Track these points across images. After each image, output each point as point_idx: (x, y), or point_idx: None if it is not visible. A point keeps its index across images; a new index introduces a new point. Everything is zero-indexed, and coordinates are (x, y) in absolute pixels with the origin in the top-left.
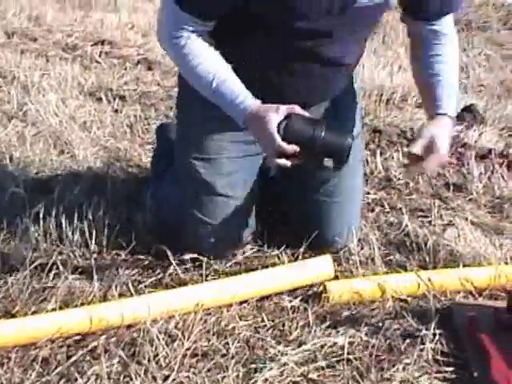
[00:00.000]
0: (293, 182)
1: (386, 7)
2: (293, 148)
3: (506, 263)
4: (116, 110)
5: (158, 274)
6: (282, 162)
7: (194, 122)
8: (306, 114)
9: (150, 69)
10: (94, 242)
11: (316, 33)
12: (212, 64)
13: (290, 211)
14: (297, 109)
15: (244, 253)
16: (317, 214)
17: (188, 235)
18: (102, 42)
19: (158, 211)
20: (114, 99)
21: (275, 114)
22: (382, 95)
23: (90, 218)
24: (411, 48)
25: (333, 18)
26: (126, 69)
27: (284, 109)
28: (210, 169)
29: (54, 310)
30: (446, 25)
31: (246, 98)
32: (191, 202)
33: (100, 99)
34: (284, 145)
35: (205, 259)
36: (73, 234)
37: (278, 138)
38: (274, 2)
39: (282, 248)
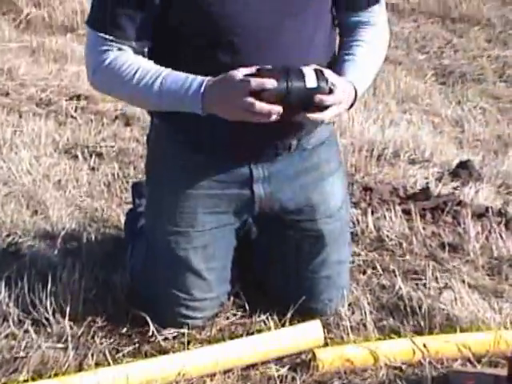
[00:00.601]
0: (277, 256)
1: None
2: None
3: (506, 328)
4: (93, 168)
5: (137, 341)
6: (259, 105)
7: (164, 192)
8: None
9: (128, 124)
10: (68, 307)
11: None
12: (147, 67)
13: (273, 280)
14: (254, 67)
15: (227, 318)
16: (303, 287)
17: (164, 311)
18: (78, 97)
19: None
20: (91, 156)
21: (237, 72)
22: (372, 151)
23: (65, 281)
24: (340, 40)
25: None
26: (103, 125)
27: (244, 68)
28: (184, 243)
29: (25, 381)
30: (374, 15)
31: (195, 78)
32: (166, 278)
33: (76, 157)
34: (265, 105)
35: (185, 331)
36: (46, 298)
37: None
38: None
39: (268, 313)
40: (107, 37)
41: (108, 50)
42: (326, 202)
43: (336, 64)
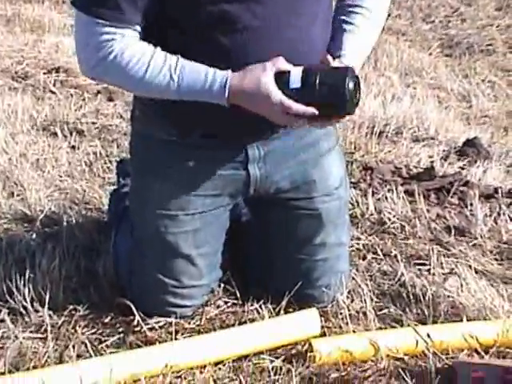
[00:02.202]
0: (271, 239)
1: None
2: (311, 109)
3: None
4: (73, 147)
5: (121, 331)
6: (292, 120)
7: (152, 174)
8: (289, 66)
9: (110, 99)
10: (48, 295)
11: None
12: (158, 61)
13: (267, 265)
14: (280, 61)
15: (218, 307)
16: (300, 271)
17: (151, 300)
18: (57, 70)
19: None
20: (71, 134)
21: (266, 75)
22: (373, 128)
23: (44, 268)
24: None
25: None
26: (83, 100)
27: (269, 64)
28: (173, 227)
29: (2, 373)
30: None
31: (215, 73)
32: (153, 265)
33: (55, 134)
34: (302, 108)
35: (173, 320)
36: (24, 286)
37: (293, 103)
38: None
39: (262, 301)
40: (107, 23)
41: (110, 40)
42: (323, 179)
43: (334, 30)
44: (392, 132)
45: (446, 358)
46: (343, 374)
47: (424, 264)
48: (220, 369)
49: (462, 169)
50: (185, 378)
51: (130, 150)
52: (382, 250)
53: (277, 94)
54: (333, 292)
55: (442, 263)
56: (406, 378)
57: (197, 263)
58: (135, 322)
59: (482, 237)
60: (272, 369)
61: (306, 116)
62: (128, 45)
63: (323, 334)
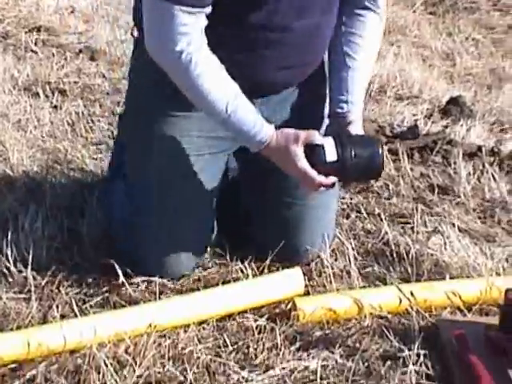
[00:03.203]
0: (258, 185)
1: None
2: (332, 180)
3: (498, 274)
4: (55, 107)
5: (105, 291)
6: (322, 190)
7: (153, 120)
8: (321, 138)
9: (93, 59)
10: (31, 256)
11: None
12: (222, 87)
13: (253, 216)
14: (311, 134)
15: (204, 269)
16: (287, 219)
17: (145, 255)
18: (38, 29)
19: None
20: (53, 94)
21: (297, 147)
22: None
23: (27, 229)
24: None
25: None
26: (65, 59)
27: (302, 137)
28: (175, 170)
29: None
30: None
31: (262, 128)
32: (147, 214)
33: (37, 94)
34: (323, 179)
35: (157, 280)
36: (7, 247)
37: (315, 174)
38: None
39: (247, 261)
40: (189, 9)
41: (182, 34)
42: (319, 125)
43: (337, 63)
44: (375, 91)
45: (429, 316)
46: (327, 332)
47: (407, 222)
48: (204, 328)
49: (446, 127)
50: (169, 338)
51: (127, 100)
52: (365, 209)
53: (302, 165)
54: (316, 250)
55: (425, 222)
56: (390, 336)
57: (192, 209)
58: (119, 282)
59: (465, 195)
60: (256, 328)
61: (329, 185)
62: (198, 53)
63: (307, 293)
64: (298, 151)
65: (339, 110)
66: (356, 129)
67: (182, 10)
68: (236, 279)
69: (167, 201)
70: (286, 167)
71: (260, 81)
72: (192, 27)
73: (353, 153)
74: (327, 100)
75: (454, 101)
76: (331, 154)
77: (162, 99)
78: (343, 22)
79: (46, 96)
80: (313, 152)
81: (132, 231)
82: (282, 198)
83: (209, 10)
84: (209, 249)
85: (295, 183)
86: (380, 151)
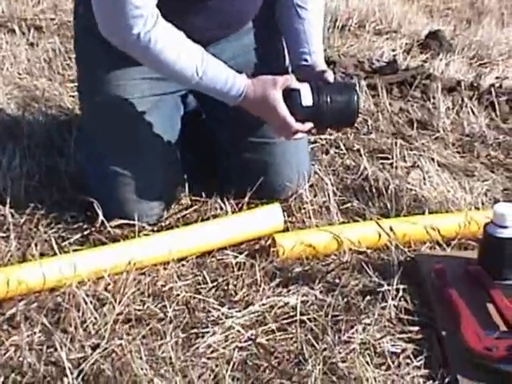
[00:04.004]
0: (224, 126)
1: None
2: (308, 126)
3: (477, 208)
4: (31, 44)
5: (85, 229)
6: (298, 136)
7: (98, 63)
8: (297, 83)
9: None
10: (9, 194)
11: None
12: (188, 54)
13: (228, 162)
14: (288, 78)
15: (180, 205)
16: (259, 157)
17: (116, 201)
18: None
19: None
20: (29, 30)
21: (275, 92)
22: (336, 21)
23: (5, 167)
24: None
25: None
26: None
27: (280, 82)
28: (120, 111)
29: None
30: None
31: (235, 80)
32: (107, 152)
33: (13, 31)
34: (300, 126)
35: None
36: None
37: (293, 121)
38: None
39: (225, 197)
40: None
41: (141, 17)
42: (283, 59)
43: (290, 17)
44: (354, 25)
45: (409, 251)
46: (306, 268)
47: (387, 158)
48: (183, 265)
49: (425, 62)
50: (149, 275)
51: (75, 46)
52: (344, 145)
53: (282, 111)
54: (295, 186)
55: (404, 157)
56: (369, 271)
57: (152, 147)
58: (99, 221)
59: (444, 130)
60: (235, 264)
61: (305, 131)
62: (156, 26)
63: (286, 229)
64: (277, 95)
65: (304, 63)
66: (328, 76)
67: None
68: (215, 216)
69: (122, 145)
70: (267, 114)
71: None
72: (145, 8)
73: (328, 98)
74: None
75: (433, 35)
76: (307, 99)
77: (100, 47)
78: None
79: (23, 33)
80: (289, 96)
81: (97, 180)
82: (251, 138)
83: None
84: (187, 188)
85: (262, 121)
86: (356, 98)
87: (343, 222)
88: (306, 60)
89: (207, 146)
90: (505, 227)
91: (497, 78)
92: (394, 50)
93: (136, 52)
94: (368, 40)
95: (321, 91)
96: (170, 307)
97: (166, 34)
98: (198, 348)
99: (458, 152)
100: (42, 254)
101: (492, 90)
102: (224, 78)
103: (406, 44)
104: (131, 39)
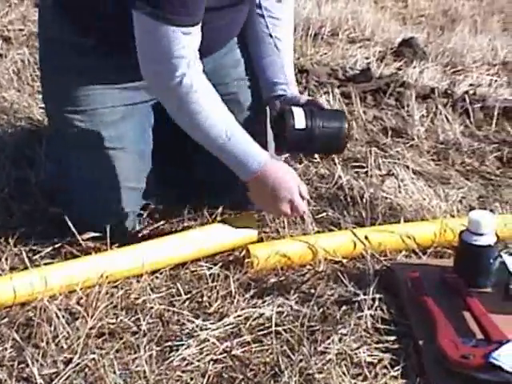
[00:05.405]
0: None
1: None
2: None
3: (453, 216)
4: (0, 55)
5: (56, 242)
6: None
7: (64, 73)
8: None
9: (37, 5)
10: None
11: None
12: (222, 112)
13: (198, 168)
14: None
15: (152, 217)
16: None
17: (83, 209)
18: None
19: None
20: None
21: (296, 186)
22: (308, 29)
23: None
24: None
25: None
26: (10, 6)
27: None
28: (90, 121)
29: None
30: None
31: (260, 151)
32: (77, 163)
33: None
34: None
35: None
36: None
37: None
38: None
39: (198, 209)
40: (186, 30)
41: (180, 58)
42: (235, 65)
43: (263, 46)
44: (327, 34)
45: (384, 260)
46: (281, 278)
47: (361, 166)
48: (157, 277)
49: (399, 69)
50: (121, 288)
51: (40, 56)
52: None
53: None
54: None
55: (379, 165)
56: (345, 281)
57: (122, 157)
58: (70, 233)
59: (418, 137)
60: (209, 276)
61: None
62: (197, 78)
63: (260, 240)
64: (294, 188)
65: (281, 93)
66: (321, 102)
67: (181, 31)
68: (188, 228)
69: (92, 156)
70: (273, 197)
71: None
72: (189, 48)
73: (321, 123)
74: None
75: (407, 42)
76: (301, 122)
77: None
78: (265, 8)
79: None
80: (283, 117)
81: (68, 193)
82: None
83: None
84: (160, 200)
85: None
86: (346, 126)
87: (318, 232)
88: (283, 90)
89: (180, 157)
90: (480, 234)
91: (471, 85)
92: (367, 58)
93: (174, 96)
94: (341, 48)
95: (314, 116)
96: (144, 320)
97: (206, 85)
98: (172, 361)
99: (433, 159)
100: (12, 268)
101: (466, 97)
102: (250, 146)
103: (380, 52)
104: (174, 81)
